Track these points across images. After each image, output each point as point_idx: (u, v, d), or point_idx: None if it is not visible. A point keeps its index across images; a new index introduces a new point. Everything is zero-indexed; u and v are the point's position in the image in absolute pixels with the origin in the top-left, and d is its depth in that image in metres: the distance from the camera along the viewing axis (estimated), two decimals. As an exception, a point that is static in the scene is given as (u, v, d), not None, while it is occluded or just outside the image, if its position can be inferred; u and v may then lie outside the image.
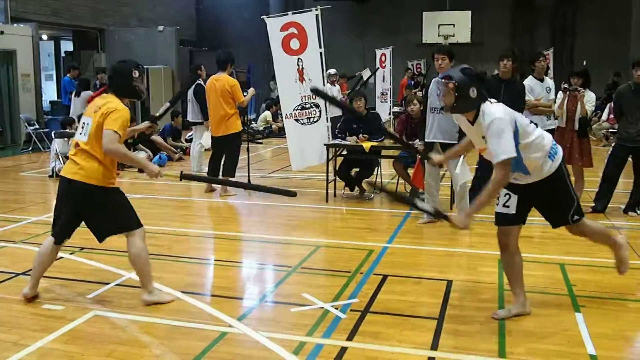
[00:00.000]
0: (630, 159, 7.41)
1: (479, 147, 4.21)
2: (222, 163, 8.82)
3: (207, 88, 8.92)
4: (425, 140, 6.91)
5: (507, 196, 4.18)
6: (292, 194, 4.83)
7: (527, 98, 8.20)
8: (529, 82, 8.23)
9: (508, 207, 4.19)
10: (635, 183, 7.39)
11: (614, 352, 3.81)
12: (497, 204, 4.28)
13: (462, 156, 6.33)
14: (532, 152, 3.99)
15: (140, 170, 4.49)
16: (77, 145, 4.41)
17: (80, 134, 4.43)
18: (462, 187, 6.83)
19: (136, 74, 4.48)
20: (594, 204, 7.52)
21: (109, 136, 4.24)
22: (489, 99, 4.02)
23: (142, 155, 10.82)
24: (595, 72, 16.90)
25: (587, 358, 3.69)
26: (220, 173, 8.76)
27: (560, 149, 4.16)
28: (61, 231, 4.53)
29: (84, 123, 4.43)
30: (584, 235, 4.38)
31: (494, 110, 3.92)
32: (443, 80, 3.99)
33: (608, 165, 7.50)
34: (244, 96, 8.84)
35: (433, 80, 6.94)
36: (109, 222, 4.45)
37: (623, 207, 7.54)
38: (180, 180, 4.70)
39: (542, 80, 8.17)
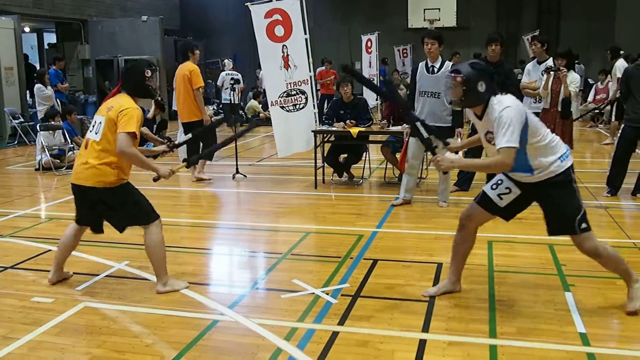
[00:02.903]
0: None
1: (485, 145, 4.09)
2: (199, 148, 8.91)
3: (175, 77, 9.06)
4: None
5: (507, 190, 4.06)
6: (253, 125, 5.15)
7: (523, 80, 8.20)
8: (529, 65, 8.23)
9: (501, 199, 4.07)
10: None
11: (604, 330, 3.84)
12: (489, 185, 4.18)
13: (459, 137, 6.37)
14: (543, 156, 3.85)
15: (156, 179, 4.51)
16: (88, 144, 4.42)
17: (91, 131, 4.43)
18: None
19: (149, 73, 4.49)
20: (608, 189, 7.47)
21: (124, 139, 4.26)
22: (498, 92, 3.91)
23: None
24: (581, 54, 17.03)
25: (577, 336, 3.72)
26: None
27: (571, 155, 3.97)
28: (82, 220, 4.67)
29: (95, 122, 4.44)
30: (596, 254, 4.00)
31: (505, 100, 3.83)
32: (452, 74, 3.93)
33: (617, 148, 7.42)
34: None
35: (421, 64, 7.03)
36: (127, 218, 4.51)
37: (630, 187, 7.53)
38: (187, 167, 4.96)
39: (540, 63, 8.12)
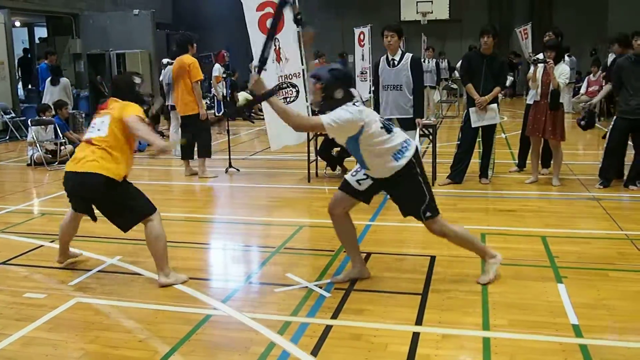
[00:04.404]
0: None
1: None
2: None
3: (172, 70, 8.96)
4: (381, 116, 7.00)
5: (365, 177, 4.33)
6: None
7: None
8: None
9: (360, 184, 4.35)
10: (636, 156, 7.30)
11: (596, 322, 3.84)
12: (350, 173, 4.44)
13: (419, 127, 6.64)
14: (378, 157, 4.12)
15: (153, 155, 4.61)
16: (90, 142, 4.45)
17: (92, 131, 4.50)
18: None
19: (137, 80, 4.63)
20: (600, 181, 7.43)
21: (135, 120, 4.40)
22: (357, 100, 4.14)
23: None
24: (574, 46, 17.04)
25: (570, 328, 3.73)
26: (195, 155, 8.76)
27: (411, 147, 4.20)
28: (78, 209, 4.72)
29: (95, 122, 4.52)
30: (445, 236, 4.37)
31: (345, 111, 3.99)
32: (312, 79, 4.12)
33: (610, 139, 7.41)
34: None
35: (382, 58, 7.09)
36: (129, 213, 4.51)
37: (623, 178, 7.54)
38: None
39: None
